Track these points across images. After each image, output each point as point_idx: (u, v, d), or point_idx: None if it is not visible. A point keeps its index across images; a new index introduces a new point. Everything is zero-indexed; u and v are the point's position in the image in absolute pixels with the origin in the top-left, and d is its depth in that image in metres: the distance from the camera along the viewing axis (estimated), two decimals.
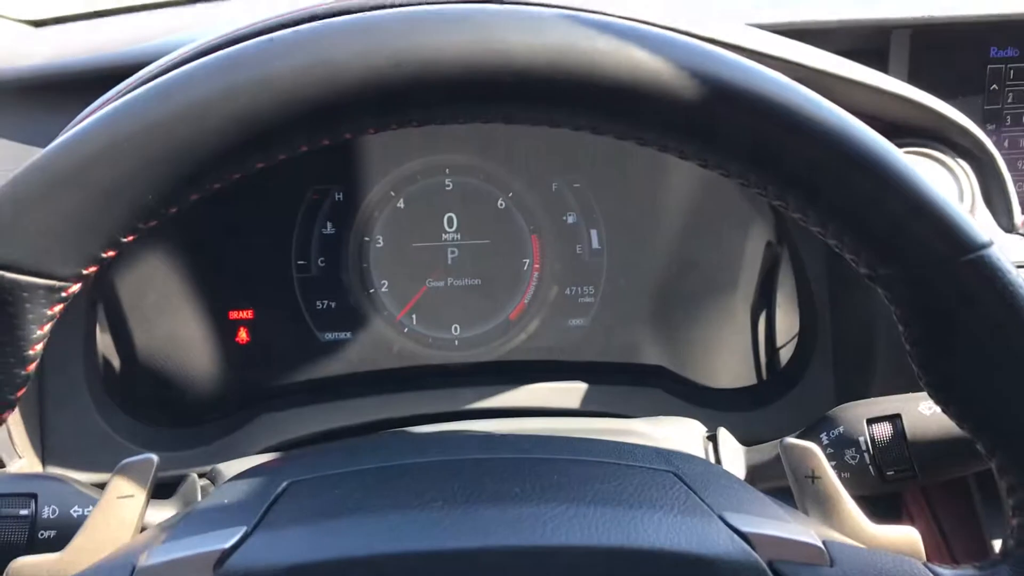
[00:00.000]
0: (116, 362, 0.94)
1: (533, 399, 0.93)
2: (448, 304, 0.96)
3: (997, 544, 0.89)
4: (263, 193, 0.92)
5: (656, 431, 0.81)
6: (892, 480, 0.69)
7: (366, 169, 0.94)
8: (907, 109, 0.84)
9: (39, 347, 0.43)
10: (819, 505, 0.52)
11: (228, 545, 0.40)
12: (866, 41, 0.93)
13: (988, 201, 0.89)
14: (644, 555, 0.39)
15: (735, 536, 0.41)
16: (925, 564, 0.43)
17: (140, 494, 0.52)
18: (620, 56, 0.41)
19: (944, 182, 0.87)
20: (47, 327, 0.43)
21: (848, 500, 0.52)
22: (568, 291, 0.98)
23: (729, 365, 1.01)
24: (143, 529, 0.51)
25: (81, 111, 0.71)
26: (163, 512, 0.66)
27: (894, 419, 0.69)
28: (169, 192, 0.41)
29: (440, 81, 0.41)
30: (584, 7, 0.49)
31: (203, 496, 0.70)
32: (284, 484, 0.48)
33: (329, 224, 0.94)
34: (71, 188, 0.40)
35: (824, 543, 0.42)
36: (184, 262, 0.93)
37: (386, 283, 0.96)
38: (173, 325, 0.94)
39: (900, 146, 0.44)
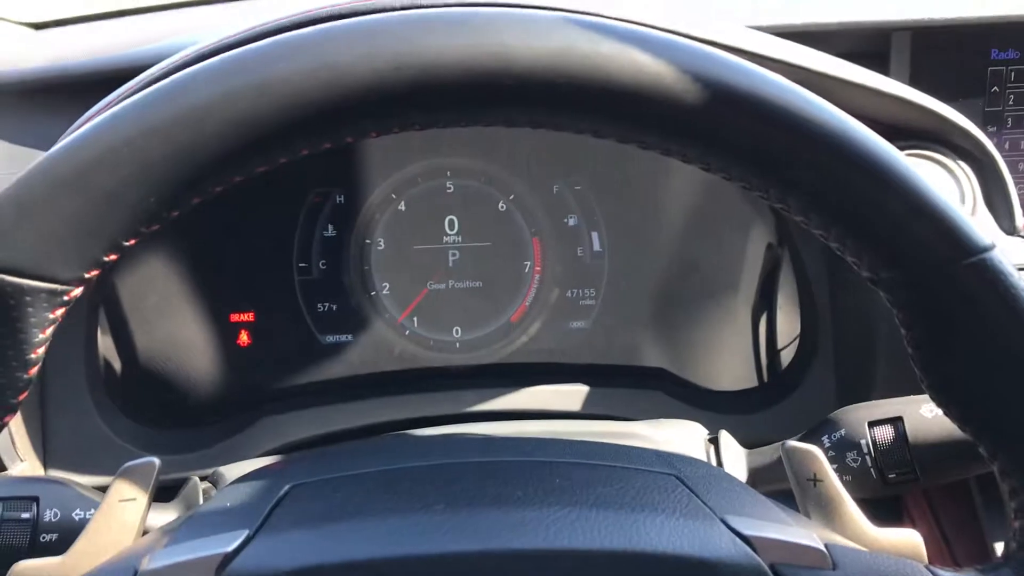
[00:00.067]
0: (117, 365, 0.94)
1: (534, 402, 0.93)
2: (449, 306, 0.96)
3: (999, 547, 0.90)
4: (264, 196, 0.92)
5: (657, 434, 0.81)
6: (894, 483, 0.69)
7: (367, 172, 0.94)
8: (908, 111, 0.84)
9: (41, 351, 0.43)
10: (821, 508, 0.52)
11: (230, 549, 0.40)
12: (867, 43, 0.93)
13: (989, 204, 0.89)
14: (646, 558, 0.39)
15: (737, 539, 0.41)
16: (927, 567, 0.43)
17: (142, 497, 0.52)
18: (622, 59, 0.41)
19: (945, 185, 0.87)
20: (49, 330, 0.43)
21: (850, 503, 0.52)
22: (569, 293, 0.98)
23: (730, 367, 1.01)
24: (145, 532, 0.51)
25: (82, 114, 0.71)
26: (165, 515, 0.66)
27: (896, 422, 0.69)
28: (170, 196, 0.41)
29: (442, 84, 0.41)
30: (585, 10, 0.49)
31: (205, 499, 0.70)
32: (286, 487, 0.48)
33: (330, 226, 0.95)
34: (73, 192, 0.40)
35: (826, 546, 0.42)
36: (185, 265, 0.93)
37: (387, 285, 0.96)
38: (174, 328, 0.94)
39: (901, 148, 0.44)
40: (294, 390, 0.96)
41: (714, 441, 0.78)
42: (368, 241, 0.95)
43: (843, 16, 0.91)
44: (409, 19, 0.42)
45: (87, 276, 0.42)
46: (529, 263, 0.96)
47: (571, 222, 0.96)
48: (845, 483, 0.57)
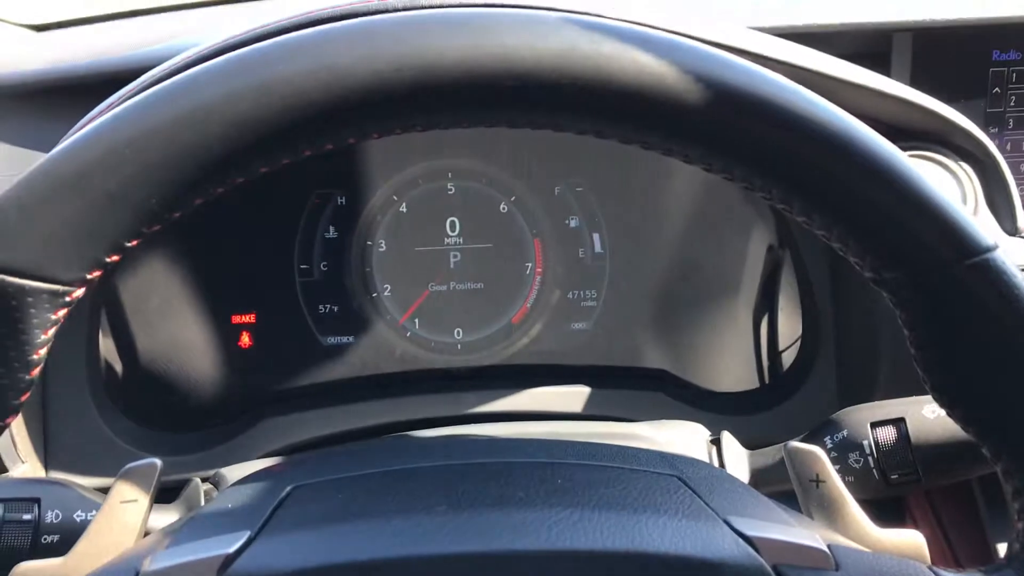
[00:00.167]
0: (119, 366, 0.94)
1: (536, 403, 0.93)
2: (450, 308, 0.96)
3: (1001, 548, 0.89)
4: (266, 197, 0.92)
5: (659, 435, 0.81)
6: (896, 484, 0.69)
7: (369, 173, 0.94)
8: (909, 112, 0.84)
9: (43, 351, 0.43)
10: (823, 509, 0.52)
11: (232, 550, 0.40)
12: (868, 44, 0.93)
13: (991, 204, 0.88)
14: (648, 559, 0.39)
15: (740, 540, 0.41)
16: (930, 568, 0.43)
17: (143, 498, 0.52)
18: (624, 60, 0.41)
19: (947, 185, 0.87)
20: (51, 331, 0.43)
21: (852, 504, 0.52)
22: (570, 295, 0.98)
23: (732, 369, 1.01)
24: (146, 534, 0.51)
25: (83, 116, 0.71)
26: (166, 517, 0.66)
27: (898, 423, 0.69)
28: (172, 197, 0.41)
29: (443, 85, 0.41)
30: (586, 11, 0.49)
31: (206, 501, 0.70)
32: (288, 488, 0.48)
33: (332, 228, 0.95)
34: (75, 193, 0.40)
35: (829, 547, 0.41)
36: (187, 266, 0.93)
37: (389, 287, 0.96)
38: (176, 329, 0.94)
39: (903, 149, 0.44)
40: (295, 392, 0.96)
41: (716, 442, 0.78)
42: (369, 243, 0.95)
43: (844, 17, 0.91)
44: (410, 20, 0.42)
45: (89, 277, 0.42)
46: (530, 264, 0.96)
47: (572, 223, 0.96)
48: (847, 484, 0.57)
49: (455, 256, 0.96)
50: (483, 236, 0.96)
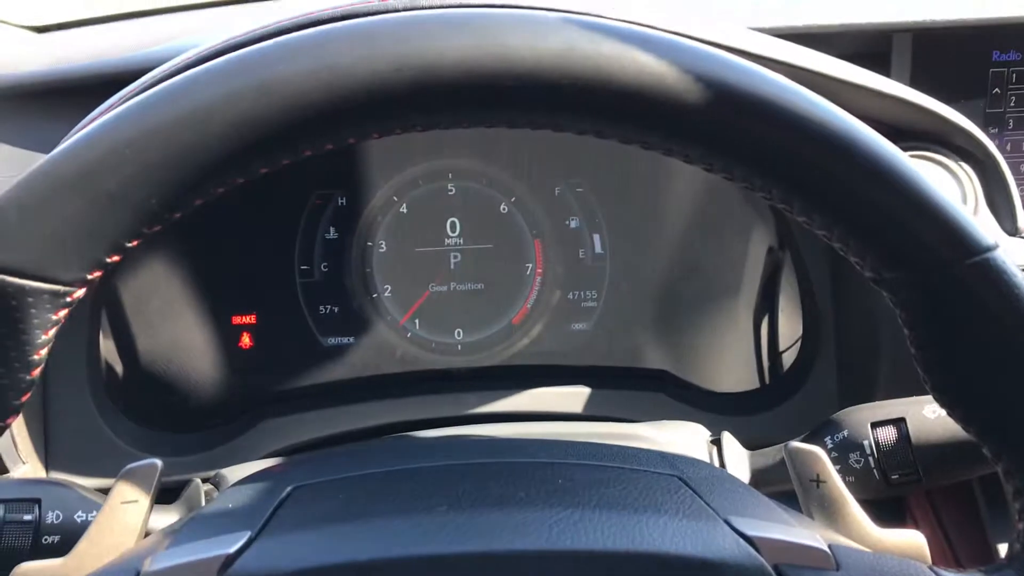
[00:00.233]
0: (119, 367, 0.94)
1: (536, 404, 0.93)
2: (451, 309, 0.96)
3: (1002, 548, 0.89)
4: (266, 198, 0.92)
5: (660, 435, 0.81)
6: (897, 484, 0.69)
7: (369, 174, 0.94)
8: (909, 113, 0.84)
9: (44, 352, 0.43)
10: (824, 509, 0.52)
11: (232, 550, 0.40)
12: (868, 45, 0.93)
13: (991, 205, 0.88)
14: (649, 559, 0.39)
15: (740, 540, 0.41)
16: (931, 568, 0.43)
17: (144, 499, 0.52)
18: (624, 60, 0.41)
19: (947, 185, 0.87)
20: (52, 332, 0.43)
21: (853, 504, 0.52)
22: (571, 296, 0.98)
23: (732, 369, 1.01)
24: (147, 534, 0.51)
25: (83, 118, 0.71)
26: (167, 517, 0.66)
27: (898, 423, 0.69)
28: (172, 197, 0.41)
29: (443, 85, 0.41)
30: (587, 10, 0.49)
31: (207, 501, 0.70)
32: (288, 489, 0.48)
33: (332, 229, 0.95)
34: (75, 193, 0.40)
35: (830, 547, 0.41)
36: (187, 267, 0.93)
37: (389, 288, 0.96)
38: (176, 330, 0.94)
39: (903, 150, 0.44)
40: (296, 392, 0.96)
41: (716, 442, 0.78)
42: (370, 243, 0.95)
43: (844, 17, 0.92)
44: (410, 20, 0.42)
45: (89, 277, 0.42)
46: (531, 265, 0.96)
47: (572, 224, 0.96)
48: (848, 484, 0.57)
49: (455, 257, 0.96)
50: (483, 237, 0.96)
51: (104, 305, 0.90)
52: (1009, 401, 0.43)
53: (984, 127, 0.95)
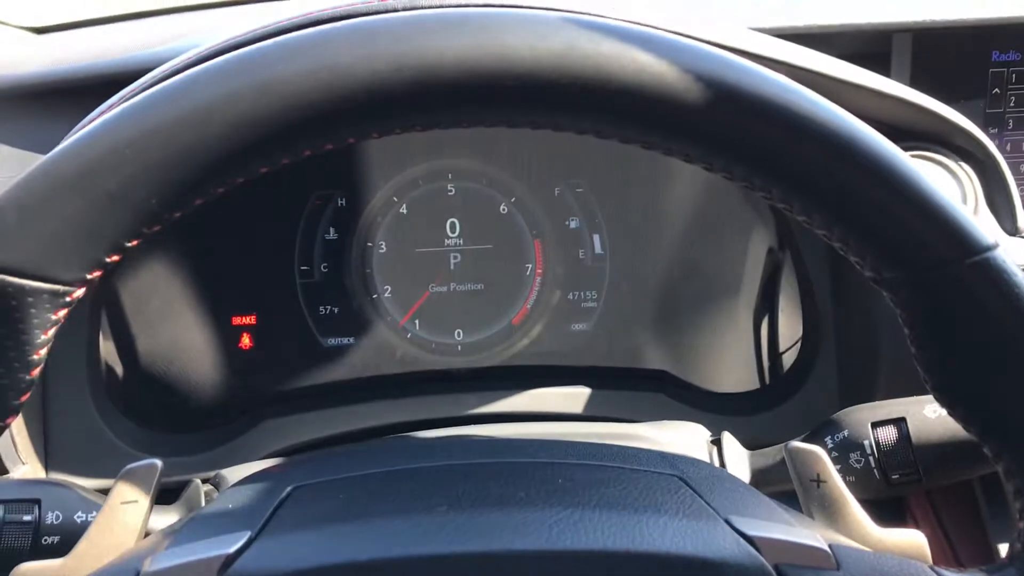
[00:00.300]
0: (119, 368, 0.94)
1: (536, 404, 0.93)
2: (451, 309, 0.96)
3: (1003, 548, 0.89)
4: (266, 199, 0.92)
5: (660, 435, 0.81)
6: (897, 484, 0.69)
7: (369, 174, 0.94)
8: (909, 113, 0.84)
9: (43, 352, 0.43)
10: (824, 509, 0.52)
11: (232, 550, 0.40)
12: (868, 45, 0.93)
13: (991, 204, 0.89)
14: (650, 559, 0.39)
15: (741, 540, 0.41)
16: (931, 567, 0.43)
17: (144, 499, 0.52)
18: (624, 59, 0.41)
19: (947, 185, 0.87)
20: (51, 332, 0.43)
21: (854, 504, 0.52)
22: (571, 296, 0.98)
23: (732, 370, 1.01)
24: (147, 535, 0.51)
25: (83, 117, 0.71)
26: (167, 517, 0.66)
27: (899, 422, 0.69)
28: (172, 197, 0.41)
29: (442, 85, 0.41)
30: (587, 10, 0.49)
31: (207, 501, 0.70)
32: (288, 489, 0.48)
33: (332, 229, 0.95)
34: (75, 193, 0.40)
35: (830, 546, 0.41)
36: (187, 268, 0.93)
37: (389, 288, 0.96)
38: (176, 331, 0.94)
39: (903, 150, 0.44)
40: (296, 393, 0.96)
41: (717, 442, 0.78)
42: (370, 244, 0.95)
43: (844, 18, 0.92)
44: (410, 20, 0.42)
45: (89, 277, 0.42)
46: (530, 265, 0.96)
47: (572, 224, 0.96)
48: (848, 484, 0.57)
49: (455, 257, 0.96)
50: (483, 237, 0.96)
51: (104, 305, 0.90)
52: (1009, 400, 0.43)
53: (984, 127, 0.95)
